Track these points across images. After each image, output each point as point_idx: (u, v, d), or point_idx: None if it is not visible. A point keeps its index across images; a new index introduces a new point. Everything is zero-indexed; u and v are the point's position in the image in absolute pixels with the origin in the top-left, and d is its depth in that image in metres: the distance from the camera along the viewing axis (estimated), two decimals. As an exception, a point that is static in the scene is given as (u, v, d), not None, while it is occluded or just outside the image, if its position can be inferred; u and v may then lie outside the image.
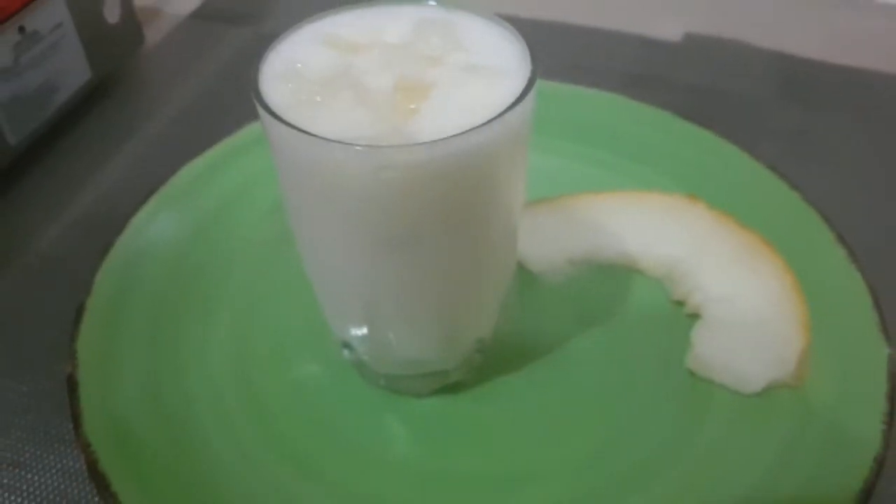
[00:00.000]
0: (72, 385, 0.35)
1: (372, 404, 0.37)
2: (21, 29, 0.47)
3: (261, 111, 0.28)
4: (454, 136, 0.26)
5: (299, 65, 0.30)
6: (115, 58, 0.57)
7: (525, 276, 0.41)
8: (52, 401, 0.38)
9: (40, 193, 0.50)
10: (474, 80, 0.29)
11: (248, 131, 0.48)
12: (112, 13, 0.54)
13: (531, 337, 0.39)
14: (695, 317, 0.39)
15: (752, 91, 0.56)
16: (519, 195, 0.32)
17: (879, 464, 0.32)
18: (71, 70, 0.52)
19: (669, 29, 0.62)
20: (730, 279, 0.39)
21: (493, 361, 0.38)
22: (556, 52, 0.57)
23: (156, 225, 0.43)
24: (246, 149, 0.47)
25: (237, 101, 0.54)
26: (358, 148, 0.26)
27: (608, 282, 0.42)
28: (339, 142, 0.26)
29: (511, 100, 0.27)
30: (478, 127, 0.26)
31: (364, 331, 0.34)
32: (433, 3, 0.33)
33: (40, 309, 0.43)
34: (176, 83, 0.59)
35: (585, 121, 0.49)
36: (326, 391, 0.38)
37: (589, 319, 0.40)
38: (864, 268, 0.39)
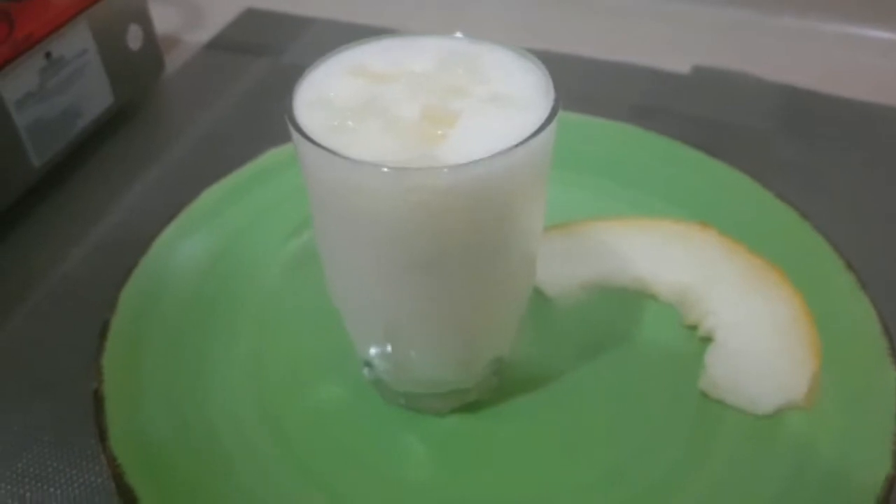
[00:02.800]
0: (98, 400, 0.36)
1: (391, 423, 0.38)
2: (48, 55, 0.49)
3: (295, 135, 0.29)
4: (479, 160, 0.27)
5: (331, 94, 0.31)
6: (136, 84, 0.58)
7: (539, 300, 0.42)
8: (75, 419, 0.39)
9: (63, 215, 0.51)
10: (499, 110, 0.30)
11: (269, 157, 0.49)
12: (135, 40, 0.56)
13: (546, 359, 0.40)
14: (707, 340, 0.40)
15: (758, 123, 0.57)
16: (539, 220, 0.33)
17: (891, 483, 0.33)
18: (94, 95, 0.53)
19: (678, 62, 0.63)
20: (741, 304, 0.40)
21: (509, 382, 0.39)
22: (566, 84, 0.58)
23: (179, 246, 0.44)
24: (267, 174, 0.48)
25: (256, 129, 0.56)
26: (386, 170, 0.27)
27: (621, 306, 0.42)
28: (369, 163, 0.27)
29: (534, 128, 0.28)
30: (502, 152, 0.27)
31: (385, 349, 0.35)
32: (459, 35, 0.34)
33: (64, 330, 0.43)
34: (195, 110, 0.60)
35: (595, 150, 0.50)
36: (346, 410, 0.38)
37: (602, 342, 0.41)
38: (872, 296, 0.40)
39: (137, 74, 0.58)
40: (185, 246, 0.44)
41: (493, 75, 0.32)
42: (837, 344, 0.38)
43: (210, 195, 0.46)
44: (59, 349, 0.42)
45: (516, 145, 0.27)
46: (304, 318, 0.42)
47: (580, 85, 0.59)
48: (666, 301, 0.42)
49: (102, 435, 0.35)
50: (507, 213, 0.30)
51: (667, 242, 0.43)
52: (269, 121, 0.51)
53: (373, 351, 0.36)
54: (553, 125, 0.29)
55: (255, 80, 0.63)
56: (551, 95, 0.30)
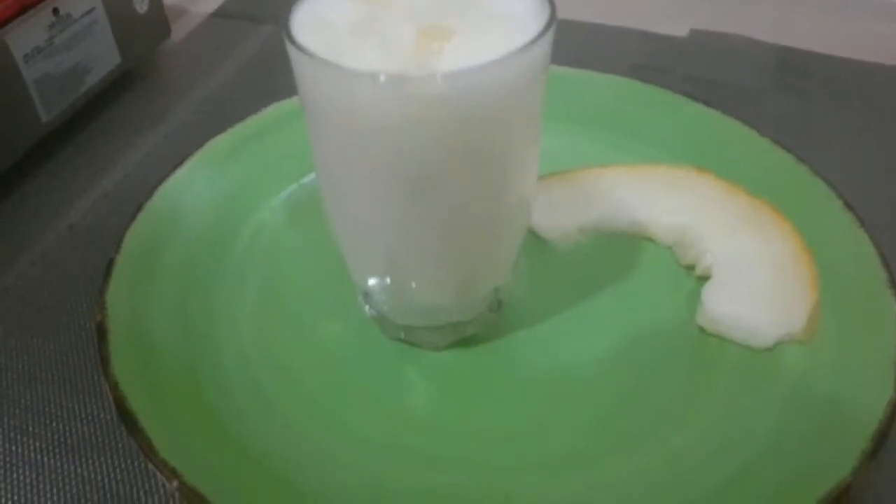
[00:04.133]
0: (101, 331, 0.36)
1: (391, 356, 0.38)
2: (55, 11, 0.49)
3: (292, 51, 0.29)
4: (474, 67, 0.27)
5: (330, 15, 0.31)
6: (143, 47, 0.59)
7: (537, 243, 0.43)
8: (80, 357, 0.40)
9: (70, 168, 0.52)
10: (495, 25, 0.30)
11: (274, 109, 0.49)
12: (141, 4, 0.56)
13: (543, 298, 0.41)
14: (705, 279, 0.40)
15: (754, 81, 0.58)
16: (536, 139, 0.33)
17: (893, 407, 0.33)
18: (101, 54, 0.54)
19: (675, 26, 0.64)
20: (739, 242, 0.40)
21: (507, 319, 0.39)
22: (564, 47, 0.58)
23: (185, 191, 0.44)
24: (273, 124, 0.48)
25: (261, 91, 0.56)
26: (382, 78, 0.27)
27: (618, 248, 0.43)
28: (366, 73, 0.27)
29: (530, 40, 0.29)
30: (498, 60, 0.28)
31: (385, 279, 0.36)
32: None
33: (70, 273, 0.44)
34: (200, 74, 0.61)
35: (593, 102, 0.50)
36: (348, 346, 0.39)
37: (600, 282, 0.41)
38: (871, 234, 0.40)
39: (144, 37, 0.59)
40: (190, 191, 0.44)
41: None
42: (837, 278, 0.38)
43: (216, 144, 0.47)
44: (65, 291, 0.43)
45: (512, 53, 0.28)
46: (307, 260, 0.43)
47: (578, 49, 0.60)
48: (663, 243, 0.43)
49: (104, 362, 0.35)
50: (504, 128, 0.30)
51: (664, 186, 0.44)
52: (274, 84, 0.52)
53: (372, 282, 0.37)
54: (549, 37, 0.29)
55: (259, 45, 0.64)
56: (547, 10, 0.30)
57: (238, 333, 0.39)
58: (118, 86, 0.57)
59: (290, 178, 0.46)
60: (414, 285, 0.35)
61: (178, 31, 0.65)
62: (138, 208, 0.42)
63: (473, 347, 0.38)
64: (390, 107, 0.28)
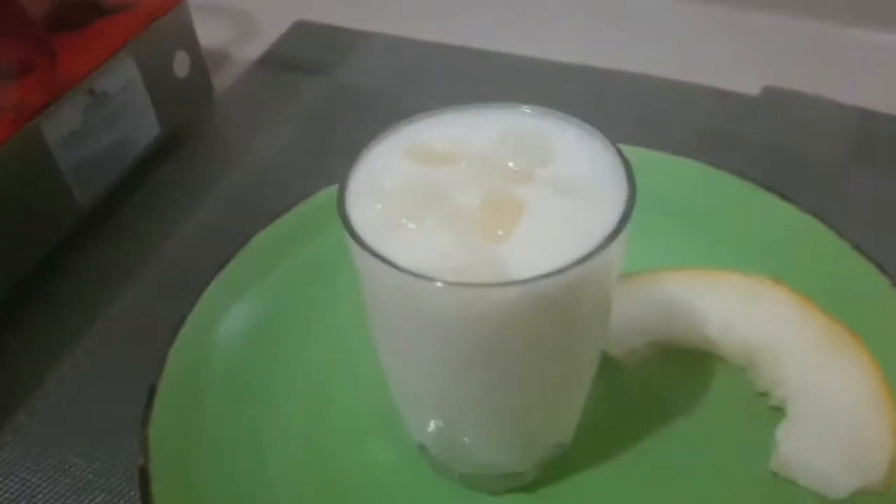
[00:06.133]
0: (143, 479, 0.35)
1: (444, 496, 0.36)
2: (91, 91, 0.47)
3: (347, 238, 0.27)
4: (541, 277, 0.25)
5: (386, 182, 0.29)
6: (184, 111, 0.57)
7: (602, 360, 0.40)
8: (122, 477, 0.38)
9: (113, 252, 0.50)
10: (566, 200, 0.28)
11: (323, 196, 0.46)
12: (181, 67, 0.54)
13: (608, 429, 0.38)
14: (778, 410, 0.38)
15: (832, 153, 0.54)
16: (606, 321, 0.31)
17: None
18: (140, 127, 0.52)
19: (747, 83, 0.60)
20: (815, 372, 0.38)
21: (571, 457, 0.37)
22: (629, 106, 0.55)
23: (227, 303, 0.42)
24: (322, 216, 0.46)
25: (311, 157, 0.54)
26: (440, 285, 0.25)
27: (689, 369, 0.40)
28: (424, 276, 0.25)
29: (607, 225, 0.26)
30: (567, 267, 0.25)
31: (440, 436, 0.34)
32: (527, 109, 0.31)
33: (115, 380, 0.43)
34: (246, 135, 0.58)
35: (660, 188, 0.47)
36: (400, 483, 0.37)
37: (669, 411, 0.39)
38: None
39: (185, 101, 0.56)
40: (234, 300, 0.42)
41: (561, 158, 0.29)
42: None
43: (260, 242, 0.45)
44: (108, 403, 0.42)
45: (583, 259, 0.25)
46: (360, 383, 0.40)
47: (643, 106, 0.57)
48: (735, 364, 0.40)
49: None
50: (572, 322, 0.28)
51: (737, 299, 0.41)
52: (323, 147, 0.49)
53: (427, 437, 0.35)
54: (627, 228, 0.27)
55: (309, 101, 0.61)
56: (624, 186, 0.28)
57: (288, 464, 0.37)
58: (159, 153, 0.55)
59: (341, 285, 0.43)
60: (469, 443, 0.34)
61: (221, 81, 0.63)
62: (180, 321, 0.41)
63: (533, 492, 0.36)
64: (450, 306, 0.26)
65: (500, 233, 0.27)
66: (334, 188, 0.46)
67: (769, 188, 0.46)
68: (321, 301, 0.44)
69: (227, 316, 0.42)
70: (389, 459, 0.38)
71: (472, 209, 0.28)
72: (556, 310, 0.27)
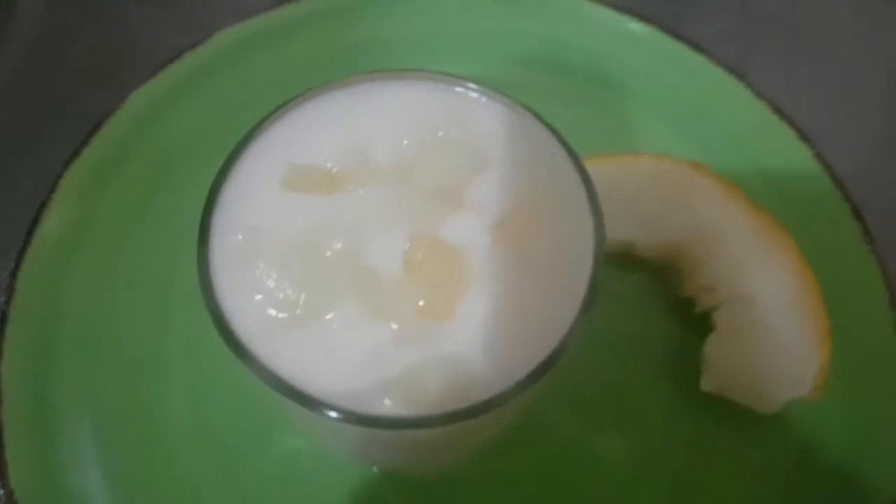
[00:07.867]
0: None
1: (369, 484, 0.32)
2: None
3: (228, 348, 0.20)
4: (482, 405, 0.20)
5: (262, 241, 0.21)
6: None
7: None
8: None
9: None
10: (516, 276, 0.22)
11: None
12: None
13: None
14: (705, 319, 0.35)
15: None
16: None
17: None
18: None
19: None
20: (744, 278, 0.35)
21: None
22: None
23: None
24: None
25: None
26: (353, 429, 0.20)
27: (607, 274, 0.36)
28: (332, 417, 0.20)
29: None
30: (498, 398, 0.21)
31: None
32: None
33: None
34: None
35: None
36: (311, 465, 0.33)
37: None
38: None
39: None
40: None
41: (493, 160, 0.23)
42: (846, 325, 0.34)
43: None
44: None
45: (516, 391, 0.21)
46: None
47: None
48: (653, 265, 0.37)
49: None
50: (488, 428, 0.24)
51: (656, 193, 0.36)
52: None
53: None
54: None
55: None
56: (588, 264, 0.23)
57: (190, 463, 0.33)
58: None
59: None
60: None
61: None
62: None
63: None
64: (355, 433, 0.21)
65: (430, 323, 0.20)
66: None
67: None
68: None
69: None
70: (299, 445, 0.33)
71: (394, 277, 0.21)
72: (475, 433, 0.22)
